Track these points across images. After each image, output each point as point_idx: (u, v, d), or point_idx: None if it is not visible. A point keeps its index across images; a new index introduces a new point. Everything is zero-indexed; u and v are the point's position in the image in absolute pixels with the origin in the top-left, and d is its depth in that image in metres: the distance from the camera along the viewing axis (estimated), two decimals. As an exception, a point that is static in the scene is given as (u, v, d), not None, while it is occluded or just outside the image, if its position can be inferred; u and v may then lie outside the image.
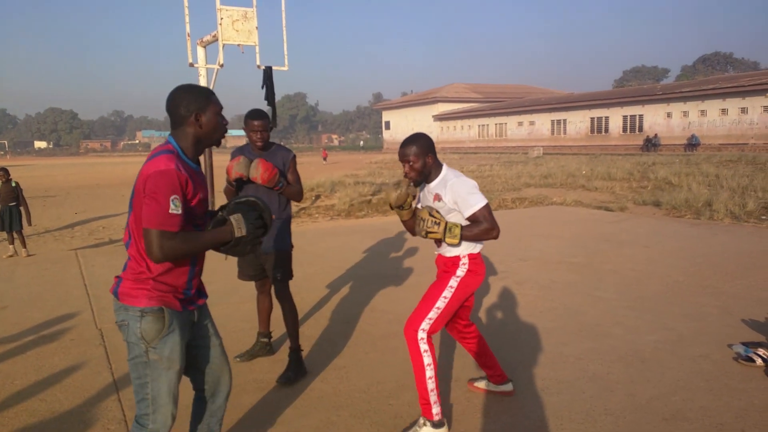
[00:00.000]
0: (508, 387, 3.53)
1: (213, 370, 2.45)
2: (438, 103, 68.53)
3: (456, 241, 2.94)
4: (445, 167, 3.14)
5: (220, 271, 6.64)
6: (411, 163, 3.04)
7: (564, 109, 52.39)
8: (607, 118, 48.34)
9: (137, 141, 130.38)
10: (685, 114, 41.85)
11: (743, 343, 4.15)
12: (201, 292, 2.41)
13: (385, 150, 71.65)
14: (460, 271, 3.09)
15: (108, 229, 11.97)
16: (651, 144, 42.07)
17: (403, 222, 3.25)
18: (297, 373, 3.84)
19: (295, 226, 11.47)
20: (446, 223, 2.96)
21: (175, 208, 2.08)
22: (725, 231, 9.11)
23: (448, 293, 3.06)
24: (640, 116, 45.32)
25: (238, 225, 2.26)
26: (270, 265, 3.87)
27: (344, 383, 3.78)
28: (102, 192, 21.47)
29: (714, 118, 39.66)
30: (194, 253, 2.21)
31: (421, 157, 3.04)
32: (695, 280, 6.12)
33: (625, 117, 46.73)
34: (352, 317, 5.14)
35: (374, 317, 5.18)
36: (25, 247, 8.78)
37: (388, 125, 79.00)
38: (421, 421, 3.00)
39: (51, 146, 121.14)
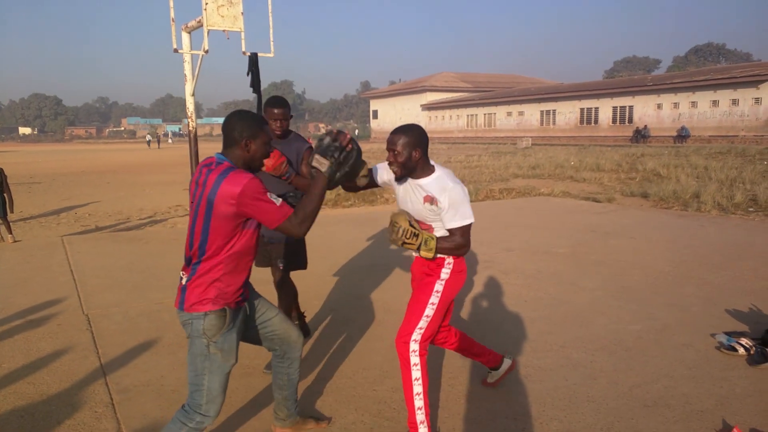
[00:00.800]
0: (508, 363, 3.48)
1: (279, 335, 2.76)
2: (426, 92, 68.34)
3: (431, 255, 2.80)
4: (438, 167, 2.92)
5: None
6: (396, 152, 2.82)
7: (553, 99, 52.45)
8: (596, 108, 48.47)
9: (122, 128, 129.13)
10: (676, 105, 42.06)
11: (726, 333, 4.22)
12: (248, 288, 2.66)
13: (372, 139, 71.43)
14: (444, 274, 2.91)
15: (94, 216, 11.88)
16: (640, 135, 42.29)
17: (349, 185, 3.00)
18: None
19: (284, 214, 11.46)
20: (424, 236, 2.81)
21: (275, 199, 2.38)
22: (712, 222, 9.20)
23: (435, 299, 2.87)
24: (630, 107, 45.48)
25: (319, 163, 2.49)
26: (276, 254, 3.92)
27: (330, 370, 3.80)
28: (88, 179, 21.28)
29: (705, 110, 39.90)
30: (319, 206, 2.46)
31: (408, 149, 2.80)
32: (680, 270, 6.19)
33: (614, 108, 46.87)
34: (339, 305, 5.15)
35: (361, 305, 5.20)
36: (11, 233, 8.70)
37: (375, 114, 78.73)
38: None
39: (35, 132, 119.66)
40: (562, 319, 4.71)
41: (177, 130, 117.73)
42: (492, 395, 3.40)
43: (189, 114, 10.38)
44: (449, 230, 2.86)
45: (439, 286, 2.90)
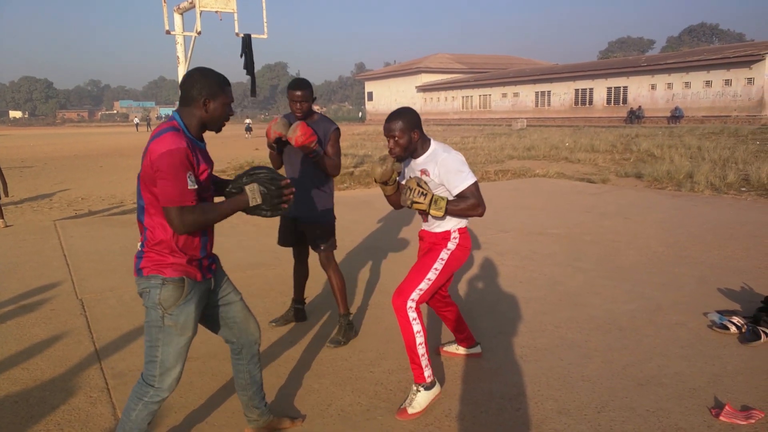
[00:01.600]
0: (477, 349, 3.67)
1: (238, 323, 2.61)
2: (421, 73, 67.94)
3: (440, 213, 2.94)
4: (433, 142, 3.09)
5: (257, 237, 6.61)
6: (396, 139, 2.97)
7: (548, 80, 52.26)
8: (591, 89, 48.35)
9: (115, 111, 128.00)
10: (670, 86, 42.00)
11: (718, 312, 4.24)
12: (213, 258, 2.55)
13: (368, 122, 71.13)
14: (451, 244, 3.11)
15: (87, 200, 11.81)
16: (635, 116, 42.25)
17: (387, 197, 3.24)
18: (347, 336, 3.96)
19: (278, 197, 11.42)
20: (433, 195, 2.94)
21: (191, 183, 2.22)
22: (705, 202, 9.23)
23: (439, 265, 3.07)
24: (625, 88, 45.39)
25: (252, 195, 2.39)
26: (312, 235, 3.94)
27: (326, 353, 3.81)
28: (80, 163, 21.13)
29: (698, 90, 39.86)
30: (214, 222, 2.35)
31: (407, 133, 2.97)
32: (674, 250, 6.21)
33: (609, 89, 46.77)
34: (335, 287, 5.15)
35: (357, 288, 5.20)
36: (2, 217, 8.63)
37: (371, 96, 78.28)
38: (415, 388, 3.02)
39: (26, 116, 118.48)
40: (557, 300, 4.73)
41: (170, 113, 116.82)
42: (488, 376, 3.42)
43: (181, 97, 10.28)
44: (458, 196, 3.01)
45: (444, 254, 3.10)
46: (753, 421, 2.85)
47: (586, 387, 3.26)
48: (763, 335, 3.79)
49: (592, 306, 4.56)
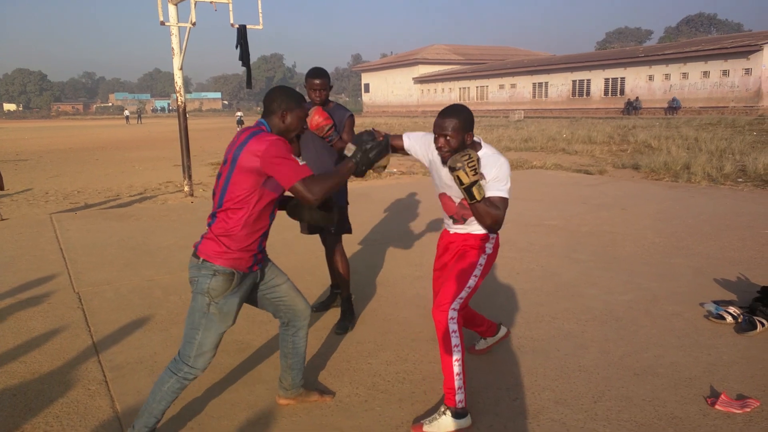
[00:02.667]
0: (503, 332, 3.60)
1: (285, 303, 2.85)
2: (418, 65, 67.70)
3: (478, 198, 2.72)
4: (484, 144, 2.89)
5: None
6: (448, 138, 2.75)
7: (545, 71, 52.15)
8: (588, 81, 48.27)
9: (110, 104, 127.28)
10: (667, 77, 41.95)
11: (714, 302, 4.26)
12: (263, 249, 2.73)
13: (364, 113, 70.94)
14: (489, 248, 2.98)
15: (83, 193, 11.78)
16: (632, 107, 42.22)
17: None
18: (352, 321, 4.09)
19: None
20: (480, 179, 2.74)
21: (300, 160, 2.51)
22: (702, 193, 9.25)
23: (478, 271, 2.93)
24: (622, 79, 45.32)
25: (348, 151, 2.73)
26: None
27: (323, 345, 3.82)
28: (76, 156, 21.04)
29: (695, 81, 39.83)
30: (339, 184, 2.57)
31: (461, 134, 2.75)
32: (671, 241, 6.23)
33: (606, 80, 46.70)
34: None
35: (354, 280, 5.19)
36: (-2, 211, 8.60)
37: (367, 88, 78.02)
38: (442, 408, 2.79)
39: (21, 109, 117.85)
40: (554, 291, 4.74)
41: (166, 105, 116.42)
42: (484, 366, 3.43)
43: (177, 89, 10.24)
44: (488, 198, 2.82)
45: (482, 260, 2.96)
46: (748, 409, 2.87)
47: (583, 377, 3.28)
48: (759, 325, 3.81)
49: (588, 297, 4.57)
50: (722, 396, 2.95)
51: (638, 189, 9.94)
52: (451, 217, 3.06)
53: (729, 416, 2.84)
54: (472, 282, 2.90)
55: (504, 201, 2.81)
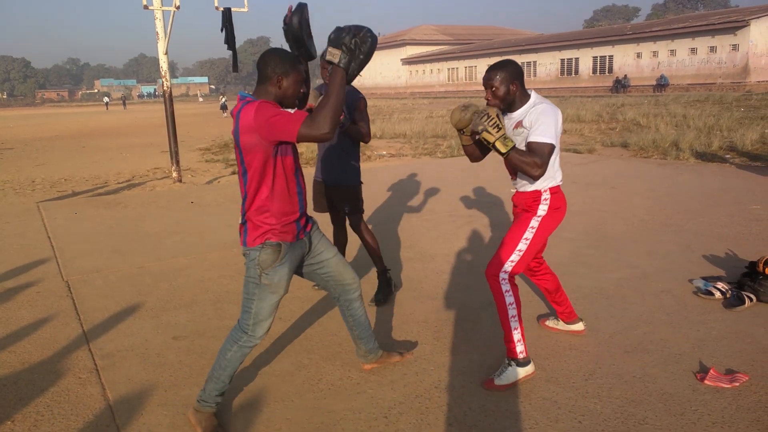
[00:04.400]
0: (579, 326, 3.54)
1: (334, 277, 2.90)
2: (406, 45, 67.20)
3: (504, 150, 2.77)
4: (534, 94, 3.01)
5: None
6: (494, 89, 2.93)
7: (534, 50, 51.96)
8: (577, 59, 48.18)
9: (96, 90, 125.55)
10: (655, 54, 41.93)
11: (703, 278, 4.30)
12: (309, 219, 2.77)
13: (354, 95, 70.35)
14: (542, 210, 2.99)
15: (70, 181, 11.64)
16: (620, 85, 42.23)
17: (463, 146, 3.18)
18: (386, 294, 4.19)
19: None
20: (505, 132, 2.80)
21: (288, 111, 2.41)
22: (690, 170, 9.29)
23: (529, 234, 2.97)
24: (610, 57, 45.27)
25: (331, 55, 2.45)
26: (339, 198, 4.11)
27: (315, 328, 3.81)
28: (62, 144, 20.77)
29: (683, 58, 39.85)
30: (339, 104, 2.36)
31: (506, 84, 2.91)
32: (660, 218, 6.26)
33: (595, 58, 46.63)
34: (323, 263, 5.14)
35: (349, 261, 5.19)
36: (-17, 200, 8.50)
37: (355, 70, 77.35)
38: (506, 362, 3.00)
39: (5, 96, 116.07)
40: (544, 270, 4.75)
41: (152, 90, 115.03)
42: (476, 347, 3.45)
43: (163, 73, 10.10)
44: (527, 146, 2.87)
45: (534, 222, 2.99)
46: (737, 384, 2.90)
47: (574, 355, 3.30)
48: (747, 300, 3.84)
49: (579, 275, 4.59)
50: (711, 371, 2.98)
51: (627, 167, 9.96)
52: (509, 172, 3.16)
53: (718, 391, 2.87)
54: (522, 245, 2.97)
55: (541, 145, 2.82)
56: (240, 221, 2.65)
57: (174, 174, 10.42)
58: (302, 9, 2.92)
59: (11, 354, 3.54)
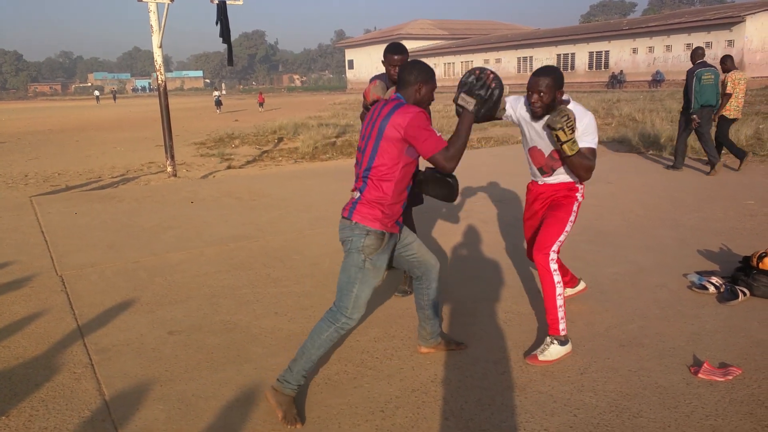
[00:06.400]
0: (581, 285, 3.98)
1: (418, 259, 3.11)
2: (402, 40, 66.84)
3: (572, 153, 3.04)
4: (572, 102, 3.22)
5: (240, 210, 6.53)
6: (541, 94, 3.10)
7: (530, 45, 51.93)
8: (573, 54, 48.18)
9: (89, 84, 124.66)
10: (651, 49, 41.98)
11: (697, 273, 4.32)
12: (403, 216, 3.00)
13: (349, 90, 70.31)
14: (580, 197, 3.37)
15: (64, 175, 11.59)
16: (616, 81, 42.27)
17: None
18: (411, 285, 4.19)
19: (258, 170, 11.30)
20: (574, 136, 3.05)
21: (437, 132, 2.72)
22: (685, 165, 9.30)
23: (573, 217, 3.31)
24: (606, 52, 45.29)
25: (465, 103, 2.82)
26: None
27: (312, 322, 3.79)
28: (55, 137, 20.66)
29: (679, 53, 39.89)
30: (466, 144, 2.76)
31: (553, 91, 3.09)
32: (655, 213, 6.28)
33: (591, 53, 46.64)
34: (319, 258, 5.14)
35: (341, 258, 5.18)
36: (-24, 195, 8.44)
37: (351, 64, 77.24)
38: (549, 339, 3.18)
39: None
40: (540, 265, 4.76)
41: (147, 84, 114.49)
42: (472, 341, 3.45)
43: (157, 67, 10.05)
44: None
45: (575, 207, 3.35)
46: (731, 377, 2.92)
47: (569, 349, 3.31)
48: (740, 294, 3.86)
49: (574, 270, 4.59)
50: (705, 365, 3.00)
51: (623, 162, 9.99)
52: (539, 168, 3.40)
53: (712, 384, 2.89)
54: (568, 227, 3.28)
55: (593, 151, 3.15)
56: (354, 197, 2.81)
57: (169, 168, 10.38)
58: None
59: (5, 349, 3.53)
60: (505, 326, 3.66)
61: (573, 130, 3.01)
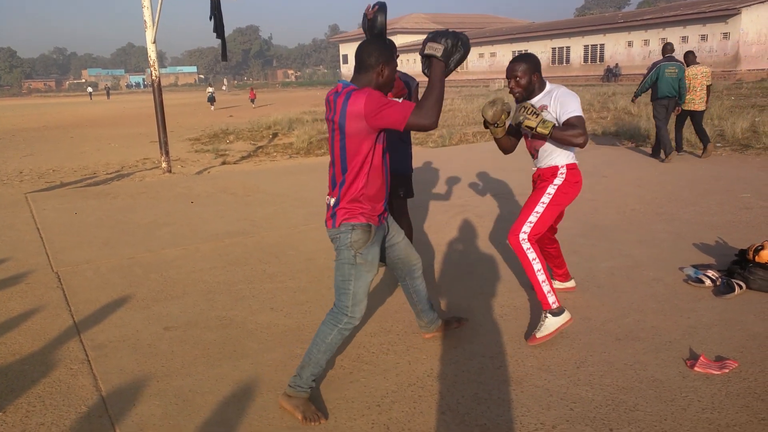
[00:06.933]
0: (571, 283, 4.03)
1: (402, 259, 3.09)
2: (397, 34, 66.70)
3: (546, 131, 3.07)
4: (548, 83, 3.33)
5: (235, 206, 6.50)
6: (518, 79, 3.25)
7: (525, 39, 51.84)
8: (568, 48, 48.12)
9: (83, 80, 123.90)
10: (646, 42, 41.96)
11: (693, 266, 4.32)
12: (385, 207, 2.89)
13: (345, 85, 69.97)
14: (558, 179, 3.36)
15: (59, 172, 11.54)
16: (611, 74, 42.26)
17: (496, 140, 3.51)
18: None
19: (253, 166, 11.27)
20: (542, 117, 3.10)
21: (396, 101, 2.55)
22: (681, 159, 9.33)
23: (546, 199, 3.33)
24: (602, 45, 45.25)
25: (433, 50, 2.62)
26: (394, 183, 4.12)
27: (307, 318, 3.81)
28: (50, 134, 20.56)
29: (674, 46, 39.91)
30: (442, 96, 2.55)
31: (528, 74, 3.23)
32: (651, 207, 6.29)
33: (586, 47, 46.59)
34: (315, 254, 5.13)
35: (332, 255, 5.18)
36: (-30, 192, 8.39)
37: (345, 59, 76.87)
38: (543, 315, 3.27)
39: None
40: (536, 259, 4.76)
41: (141, 80, 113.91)
42: (468, 336, 3.46)
43: (151, 62, 9.99)
44: (564, 124, 3.18)
45: (551, 189, 3.35)
46: (727, 371, 2.93)
47: (566, 343, 3.32)
48: (736, 287, 3.87)
49: (570, 264, 4.59)
50: (701, 358, 3.01)
51: (618, 156, 9.99)
52: (531, 154, 3.51)
53: (708, 378, 2.89)
54: (539, 208, 3.31)
55: (578, 118, 3.16)
56: (331, 204, 2.74)
57: (164, 164, 10.34)
58: (384, 7, 3.28)
59: (1, 345, 3.51)
60: (501, 321, 3.66)
61: (536, 114, 3.08)
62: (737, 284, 3.89)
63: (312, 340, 2.77)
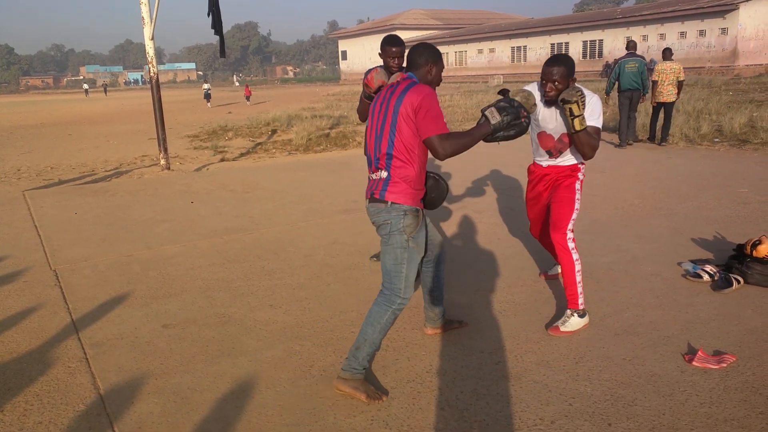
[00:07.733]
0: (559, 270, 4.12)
1: (431, 239, 3.18)
2: (396, 30, 66.51)
3: (581, 128, 3.19)
4: (579, 86, 3.33)
5: (233, 203, 6.49)
6: (556, 83, 3.26)
7: (524, 35, 51.74)
8: (567, 44, 48.02)
9: (81, 77, 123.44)
10: (645, 38, 41.88)
11: (691, 261, 4.33)
12: None
13: (342, 81, 70.01)
14: (581, 175, 3.56)
15: (57, 169, 11.51)
16: (610, 69, 42.18)
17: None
18: None
19: (252, 162, 11.25)
20: (583, 114, 3.19)
21: (443, 117, 2.74)
22: (679, 154, 9.34)
23: (578, 195, 3.51)
24: (600, 41, 45.18)
25: (491, 116, 2.84)
26: None
27: (307, 314, 3.81)
28: (48, 131, 20.51)
29: (672, 42, 39.79)
30: (468, 146, 2.78)
31: (566, 79, 3.25)
32: (649, 202, 6.29)
33: (585, 42, 46.51)
34: (314, 250, 5.13)
35: (336, 249, 5.18)
36: (-32, 190, 8.37)
37: (345, 55, 76.76)
38: (569, 312, 3.38)
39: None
40: (535, 255, 4.77)
41: (139, 77, 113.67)
42: (467, 332, 3.46)
43: (149, 59, 9.96)
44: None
45: (578, 185, 3.55)
46: (725, 365, 2.93)
47: (564, 339, 3.32)
48: (734, 282, 3.88)
49: (569, 259, 4.60)
50: (699, 352, 3.01)
51: (616, 151, 9.99)
52: (547, 151, 3.57)
53: (706, 372, 2.90)
54: (577, 204, 3.49)
55: (598, 131, 3.31)
56: (382, 174, 2.79)
57: (162, 161, 10.32)
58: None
59: (-1, 344, 3.51)
60: (500, 316, 3.66)
61: (585, 106, 3.16)
62: (735, 279, 3.89)
63: (364, 322, 2.85)
